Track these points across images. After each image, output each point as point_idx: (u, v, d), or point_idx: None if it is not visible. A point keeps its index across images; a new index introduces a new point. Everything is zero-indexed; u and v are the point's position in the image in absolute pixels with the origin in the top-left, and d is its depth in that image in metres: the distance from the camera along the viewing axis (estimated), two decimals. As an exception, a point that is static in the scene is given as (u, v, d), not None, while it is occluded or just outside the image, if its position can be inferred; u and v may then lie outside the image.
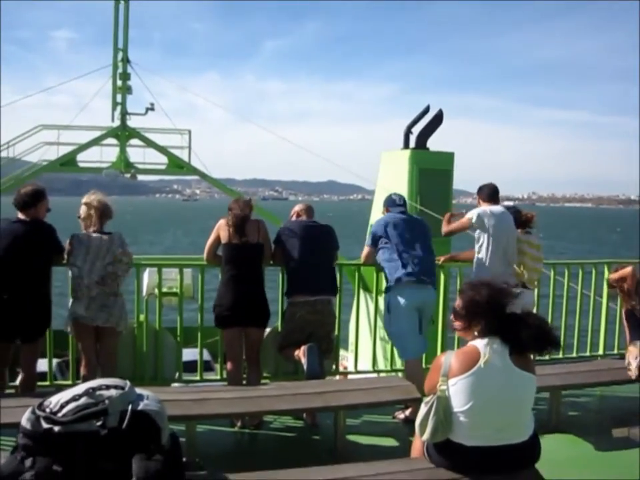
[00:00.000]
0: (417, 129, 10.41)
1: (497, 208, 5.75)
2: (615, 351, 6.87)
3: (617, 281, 5.96)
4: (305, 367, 5.03)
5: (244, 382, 5.27)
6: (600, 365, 6.00)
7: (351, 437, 4.87)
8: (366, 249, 5.75)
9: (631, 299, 5.74)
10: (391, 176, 10.29)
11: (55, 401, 2.33)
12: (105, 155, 17.41)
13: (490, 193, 5.86)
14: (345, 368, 6.70)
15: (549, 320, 6.48)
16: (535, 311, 6.31)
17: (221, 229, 5.26)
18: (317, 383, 4.88)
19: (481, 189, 5.93)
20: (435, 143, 10.45)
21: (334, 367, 6.01)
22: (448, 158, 10.35)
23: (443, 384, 2.99)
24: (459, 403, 2.95)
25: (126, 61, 16.84)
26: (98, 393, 2.35)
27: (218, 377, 5.75)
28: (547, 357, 6.65)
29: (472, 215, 5.72)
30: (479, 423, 2.96)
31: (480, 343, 3.02)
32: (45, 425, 2.25)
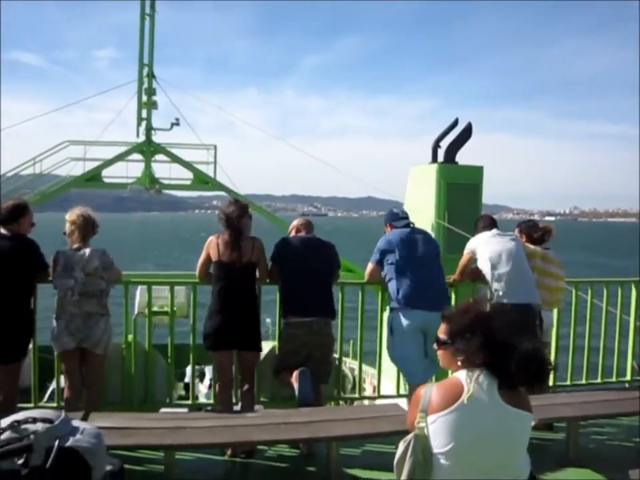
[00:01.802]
0: (445, 143, 10.07)
1: (489, 232, 5.59)
2: None
3: None
4: (296, 392, 4.70)
5: (236, 407, 4.97)
6: (622, 393, 5.48)
7: (349, 470, 4.51)
8: (370, 266, 5.40)
9: None
10: (420, 191, 9.97)
11: (-22, 435, 2.09)
12: (131, 171, 17.36)
13: (484, 225, 5.72)
14: (374, 387, 6.33)
15: (571, 341, 6.08)
16: (554, 331, 5.93)
17: (211, 247, 4.97)
18: (307, 411, 4.53)
19: (476, 223, 5.85)
20: (467, 158, 10.09)
21: (335, 392, 5.64)
22: (477, 172, 9.98)
23: (422, 421, 2.61)
24: (438, 443, 2.57)
25: (151, 76, 16.79)
26: (23, 426, 2.09)
27: (212, 401, 5.44)
28: (568, 382, 6.20)
29: (466, 249, 5.63)
30: (461, 466, 2.57)
31: (463, 375, 2.64)
32: None
